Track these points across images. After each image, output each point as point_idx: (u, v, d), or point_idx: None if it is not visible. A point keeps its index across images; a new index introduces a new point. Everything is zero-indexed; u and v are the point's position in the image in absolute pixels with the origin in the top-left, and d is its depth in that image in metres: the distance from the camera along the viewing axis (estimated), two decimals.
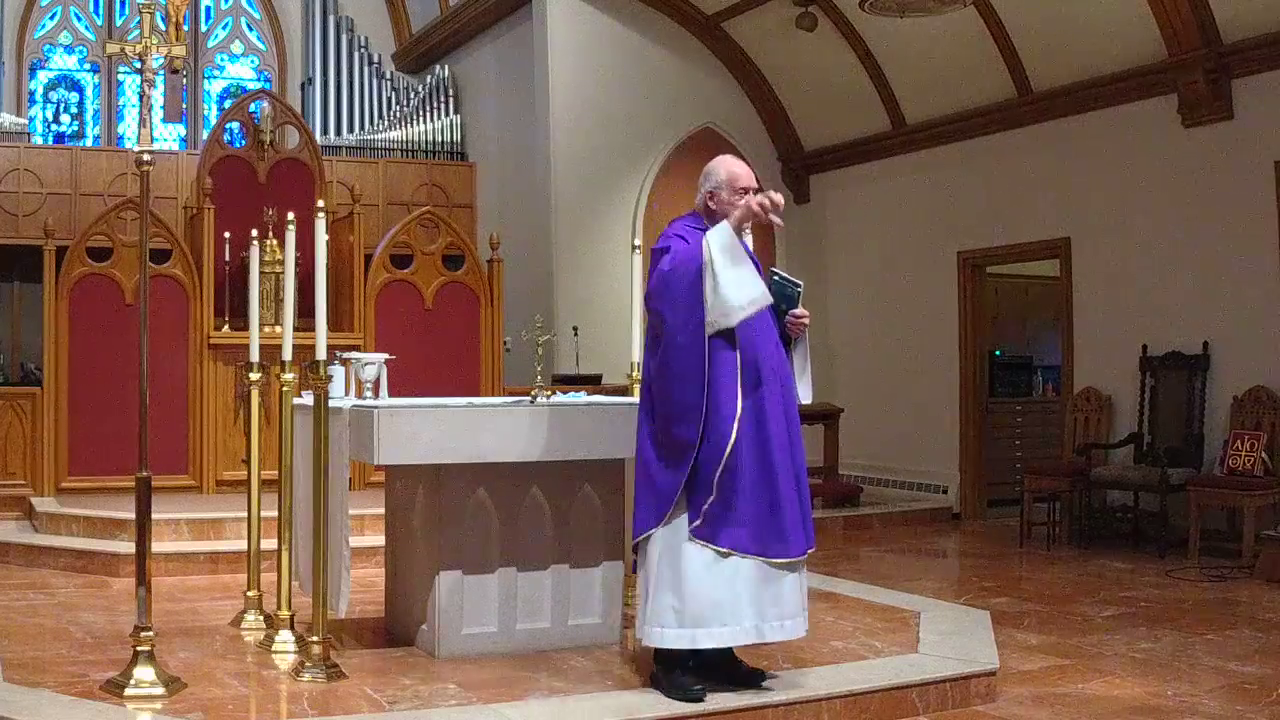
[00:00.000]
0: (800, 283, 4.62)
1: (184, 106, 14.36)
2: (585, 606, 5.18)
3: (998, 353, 11.91)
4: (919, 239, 11.25)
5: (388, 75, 14.51)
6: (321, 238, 4.90)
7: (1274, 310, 8.37)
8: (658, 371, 4.43)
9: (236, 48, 15.13)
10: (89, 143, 14.17)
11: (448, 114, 14.09)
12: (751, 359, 4.37)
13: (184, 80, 14.13)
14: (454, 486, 4.99)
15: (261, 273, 6.85)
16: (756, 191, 4.51)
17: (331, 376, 4.91)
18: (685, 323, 4.30)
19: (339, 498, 4.82)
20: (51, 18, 14.32)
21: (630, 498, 4.78)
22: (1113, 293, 9.54)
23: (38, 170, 12.33)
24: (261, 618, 5.60)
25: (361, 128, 14.07)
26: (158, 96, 11.03)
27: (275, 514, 5.51)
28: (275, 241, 9.40)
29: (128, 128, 14.36)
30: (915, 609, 5.93)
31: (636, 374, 5.68)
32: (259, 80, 14.95)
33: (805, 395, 4.63)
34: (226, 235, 9.53)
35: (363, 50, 14.36)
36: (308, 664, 4.66)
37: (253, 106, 10.52)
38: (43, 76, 14.31)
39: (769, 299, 4.34)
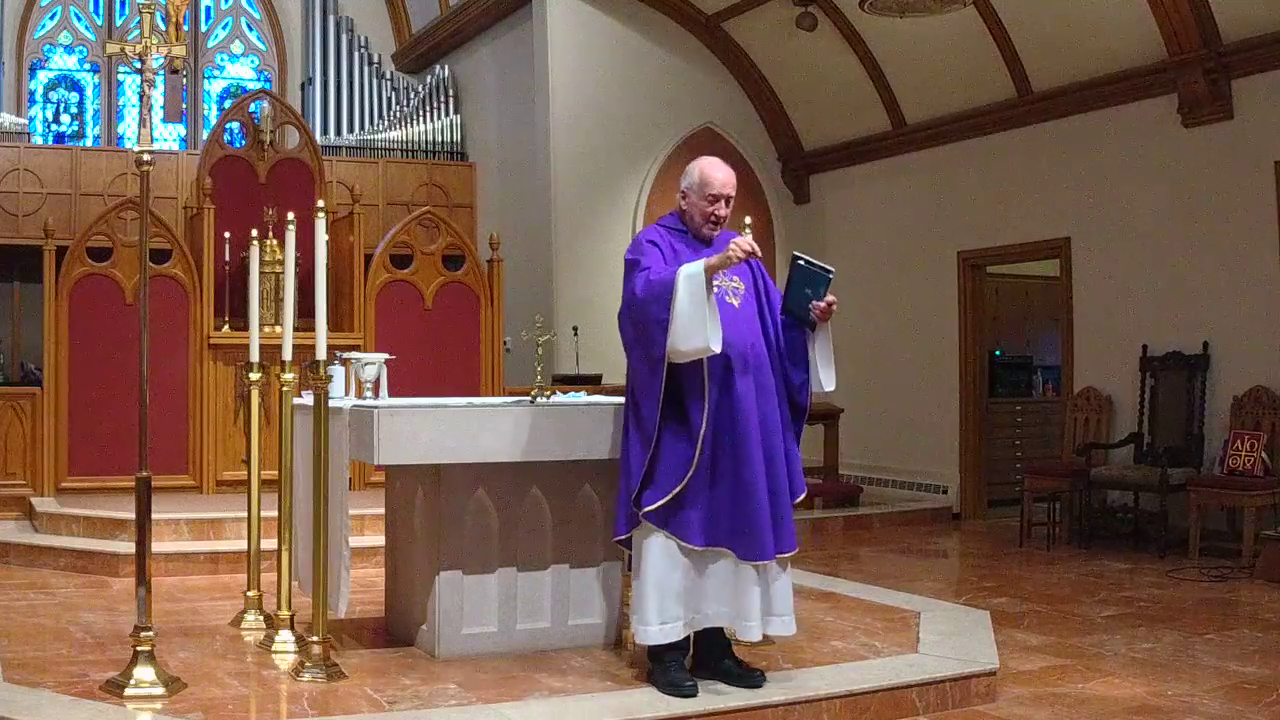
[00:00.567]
0: (831, 269, 4.53)
1: (184, 106, 14.37)
2: (585, 606, 5.18)
3: (998, 353, 11.91)
4: (919, 239, 11.25)
5: (388, 75, 14.52)
6: (321, 238, 4.90)
7: (1274, 310, 8.37)
8: (629, 379, 4.61)
9: (236, 48, 15.13)
10: (89, 143, 14.18)
11: (448, 114, 14.10)
12: (722, 359, 4.38)
13: (184, 80, 14.14)
14: (454, 486, 4.99)
15: (261, 273, 6.84)
16: (728, 200, 4.55)
17: (331, 376, 4.91)
18: (645, 355, 4.43)
19: (339, 498, 4.82)
20: (51, 18, 14.32)
21: None
22: (1113, 293, 9.54)
23: (38, 170, 12.33)
24: (261, 618, 5.60)
25: (361, 128, 14.08)
26: (158, 96, 11.03)
27: (275, 514, 5.51)
28: (275, 241, 9.41)
29: (128, 128, 14.37)
30: (915, 609, 5.93)
31: None
32: (259, 80, 14.95)
33: (829, 382, 4.61)
34: (226, 235, 9.53)
35: (363, 50, 14.37)
36: (308, 664, 4.66)
37: (253, 106, 10.52)
38: (43, 76, 14.31)
39: (716, 349, 4.28)
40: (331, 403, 4.89)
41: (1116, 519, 9.02)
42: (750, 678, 4.48)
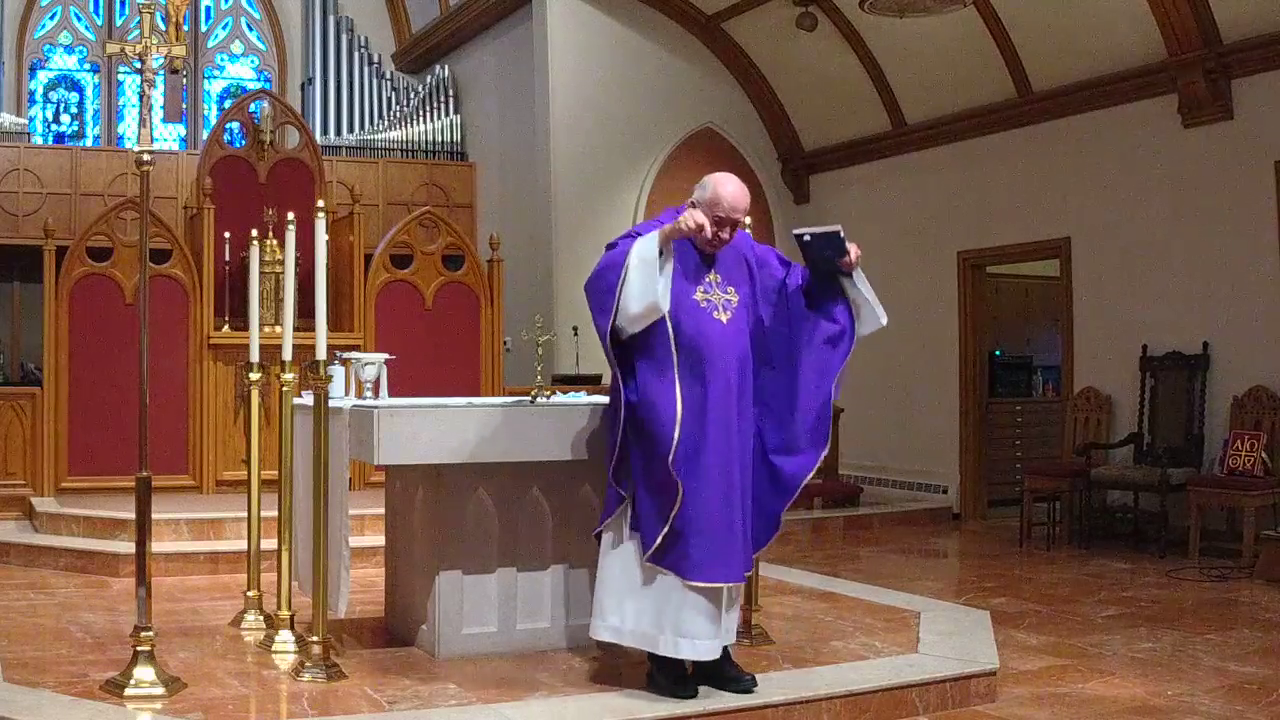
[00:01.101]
0: (836, 226, 4.44)
1: (184, 106, 14.36)
2: (585, 606, 5.15)
3: (998, 353, 11.91)
4: (919, 239, 11.24)
5: (388, 75, 14.51)
6: (321, 238, 4.90)
7: (1274, 310, 8.38)
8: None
9: (236, 48, 15.13)
10: (89, 143, 14.18)
11: (448, 114, 14.09)
12: (692, 351, 4.32)
13: (184, 80, 14.14)
14: (454, 486, 4.99)
15: (261, 273, 6.84)
16: (734, 226, 4.42)
17: (331, 376, 4.91)
18: (601, 326, 4.34)
19: (339, 498, 4.82)
20: (51, 18, 14.32)
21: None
22: (1113, 293, 9.54)
23: (38, 170, 12.32)
24: (261, 618, 5.60)
25: (361, 128, 14.07)
26: (158, 96, 11.02)
27: (275, 514, 5.50)
28: (275, 241, 9.41)
29: (128, 128, 14.37)
30: (915, 609, 5.93)
31: None
32: (259, 80, 14.95)
33: (883, 315, 4.55)
34: (226, 235, 9.53)
35: (363, 50, 14.36)
36: (308, 664, 4.66)
37: (253, 106, 10.53)
38: (43, 76, 14.31)
39: (661, 311, 4.23)
40: (331, 403, 4.89)
41: (1116, 519, 9.03)
42: (740, 682, 4.44)
